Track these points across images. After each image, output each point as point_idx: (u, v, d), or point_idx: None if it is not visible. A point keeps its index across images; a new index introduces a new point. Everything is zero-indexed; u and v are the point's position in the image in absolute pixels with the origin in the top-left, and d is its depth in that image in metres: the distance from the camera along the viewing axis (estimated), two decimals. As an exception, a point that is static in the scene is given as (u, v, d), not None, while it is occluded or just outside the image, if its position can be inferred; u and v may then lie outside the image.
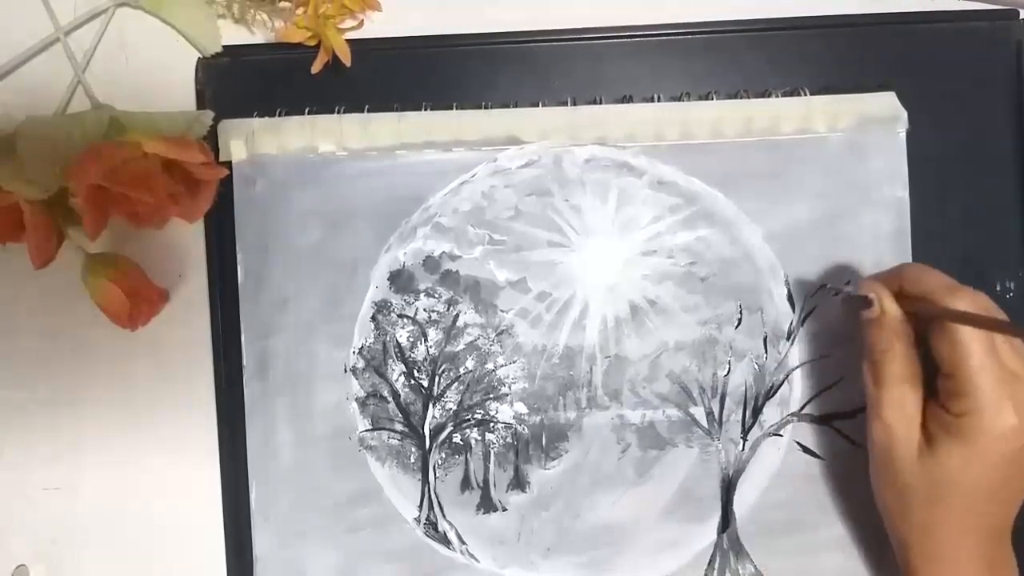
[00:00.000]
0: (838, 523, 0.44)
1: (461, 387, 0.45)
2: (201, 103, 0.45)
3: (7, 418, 0.46)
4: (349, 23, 0.44)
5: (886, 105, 0.44)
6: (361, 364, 0.45)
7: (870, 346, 0.39)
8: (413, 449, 0.45)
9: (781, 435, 0.45)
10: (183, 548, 0.46)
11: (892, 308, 0.38)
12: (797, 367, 0.45)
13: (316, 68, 0.44)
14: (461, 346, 0.45)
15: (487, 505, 0.45)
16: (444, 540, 0.45)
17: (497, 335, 0.45)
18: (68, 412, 0.46)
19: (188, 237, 0.46)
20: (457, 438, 0.45)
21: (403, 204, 0.45)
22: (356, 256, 0.45)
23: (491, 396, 0.45)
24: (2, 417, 0.46)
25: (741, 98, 0.45)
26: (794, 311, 0.45)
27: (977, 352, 0.35)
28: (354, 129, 0.44)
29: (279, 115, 0.45)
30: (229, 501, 0.45)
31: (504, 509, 0.45)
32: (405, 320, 0.45)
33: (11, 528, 0.46)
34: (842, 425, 0.44)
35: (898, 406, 0.37)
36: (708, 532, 0.45)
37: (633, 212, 0.45)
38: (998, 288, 0.45)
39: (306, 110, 0.45)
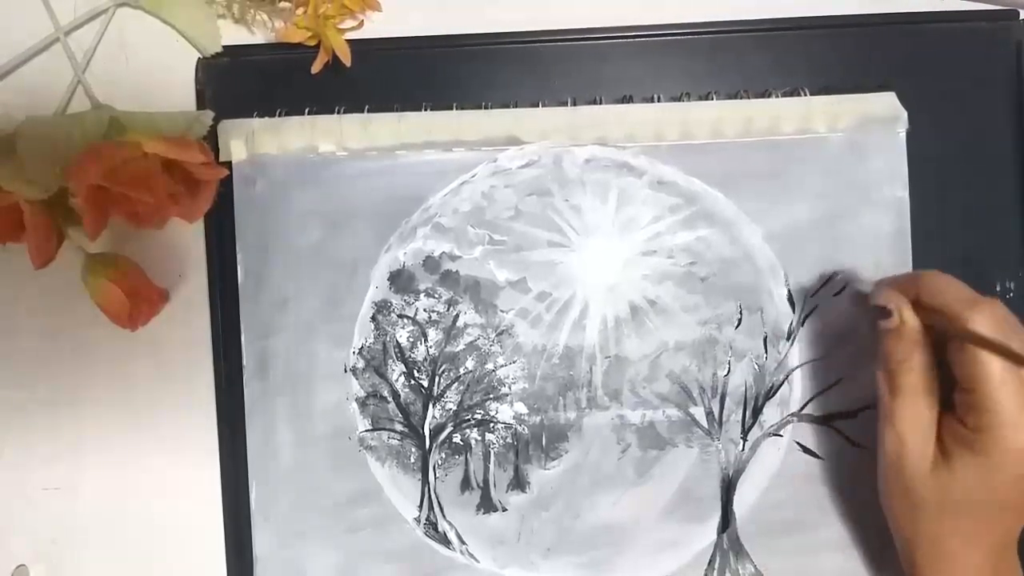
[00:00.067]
0: (838, 523, 0.44)
1: (461, 387, 0.45)
2: (201, 103, 0.45)
3: (7, 418, 0.46)
4: (349, 23, 0.44)
5: (886, 105, 0.44)
6: (361, 364, 0.45)
7: (887, 356, 0.38)
8: (413, 449, 0.45)
9: (781, 435, 0.45)
10: (183, 548, 0.46)
11: (912, 319, 0.37)
12: (797, 367, 0.45)
13: (316, 68, 0.44)
14: (461, 346, 0.45)
15: (487, 505, 0.45)
16: (444, 540, 0.45)
17: (497, 335, 0.45)
18: (68, 412, 0.46)
19: (188, 237, 0.46)
20: (457, 438, 0.45)
21: (403, 204, 0.45)
22: (356, 256, 0.45)
23: (491, 396, 0.45)
24: (2, 417, 0.46)
25: (741, 98, 0.45)
26: (794, 311, 0.45)
27: (997, 368, 0.34)
28: (354, 129, 0.44)
29: (279, 115, 0.45)
30: (229, 501, 0.45)
31: (504, 509, 0.45)
32: (405, 320, 0.45)
33: (11, 528, 0.46)
34: (842, 425, 0.44)
35: (913, 418, 0.37)
36: (708, 532, 0.45)
37: (633, 212, 0.45)
38: (998, 288, 0.45)
39: (306, 110, 0.45)
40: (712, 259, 0.45)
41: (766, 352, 0.45)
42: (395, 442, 0.45)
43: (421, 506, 0.45)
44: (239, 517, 0.45)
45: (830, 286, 0.44)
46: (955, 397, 0.37)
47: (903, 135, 0.44)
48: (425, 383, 0.45)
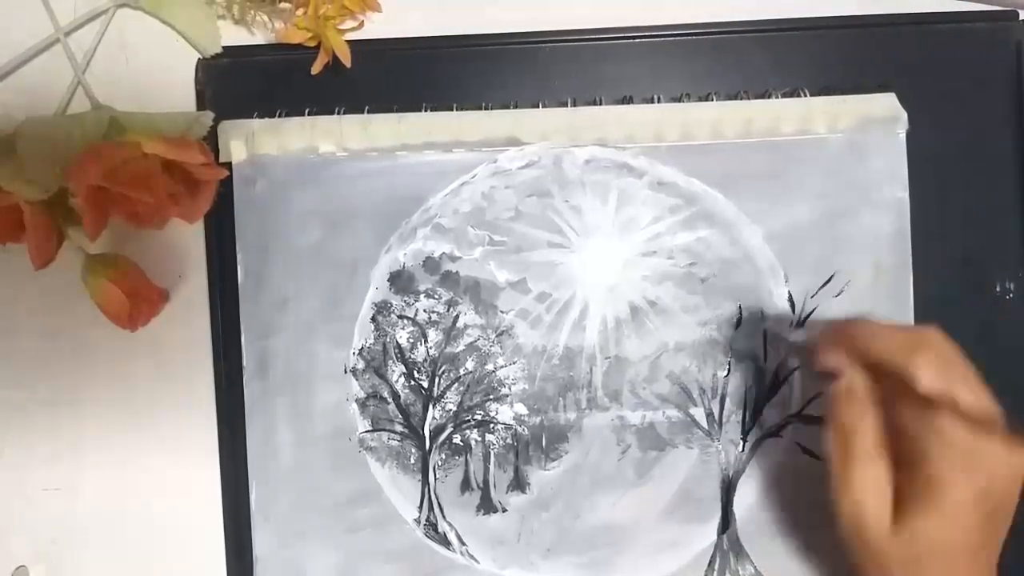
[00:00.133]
0: (838, 524, 0.44)
1: (461, 388, 0.45)
2: (201, 104, 0.45)
3: (7, 418, 0.46)
4: (349, 24, 0.44)
5: (886, 106, 0.44)
6: (361, 365, 0.45)
7: (837, 420, 0.36)
8: (413, 450, 0.45)
9: (781, 436, 0.45)
10: (183, 548, 0.46)
11: (860, 381, 0.36)
12: (797, 368, 0.45)
13: (316, 69, 0.44)
14: (461, 347, 0.45)
15: (487, 506, 0.45)
16: (444, 541, 0.45)
17: (497, 336, 0.45)
18: (68, 412, 0.46)
19: (188, 237, 0.46)
20: (457, 439, 0.45)
21: (403, 205, 0.45)
22: (356, 256, 0.45)
23: (491, 397, 0.45)
24: (2, 417, 0.46)
25: (741, 99, 0.45)
26: (794, 311, 0.45)
27: (942, 414, 0.33)
28: (354, 130, 0.44)
29: (279, 116, 0.45)
30: (229, 501, 0.45)
31: (504, 510, 0.45)
32: (405, 321, 0.45)
33: (11, 528, 0.46)
34: (842, 426, 0.44)
35: (870, 482, 0.35)
36: (708, 533, 0.45)
37: (633, 213, 0.45)
38: (998, 288, 0.45)
39: (306, 111, 0.45)
40: (712, 260, 0.45)
41: (766, 353, 0.45)
42: (395, 443, 0.45)
43: (421, 507, 0.45)
44: (239, 517, 0.45)
45: (830, 286, 0.44)
46: (902, 446, 0.35)
47: (903, 135, 0.44)
48: (425, 384, 0.45)
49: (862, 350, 0.36)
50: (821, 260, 0.44)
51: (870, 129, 0.44)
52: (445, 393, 0.45)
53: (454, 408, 0.45)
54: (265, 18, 0.45)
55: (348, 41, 0.43)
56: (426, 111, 0.45)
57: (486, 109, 0.45)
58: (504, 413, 0.45)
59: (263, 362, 0.45)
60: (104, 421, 0.46)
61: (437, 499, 0.45)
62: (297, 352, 0.45)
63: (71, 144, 0.41)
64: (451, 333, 0.45)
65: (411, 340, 0.45)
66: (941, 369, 0.34)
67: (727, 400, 0.45)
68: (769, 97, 0.45)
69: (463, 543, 0.45)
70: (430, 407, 0.45)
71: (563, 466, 0.45)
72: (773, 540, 0.45)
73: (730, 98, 0.45)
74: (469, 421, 0.45)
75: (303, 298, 0.45)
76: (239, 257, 0.45)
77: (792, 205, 0.44)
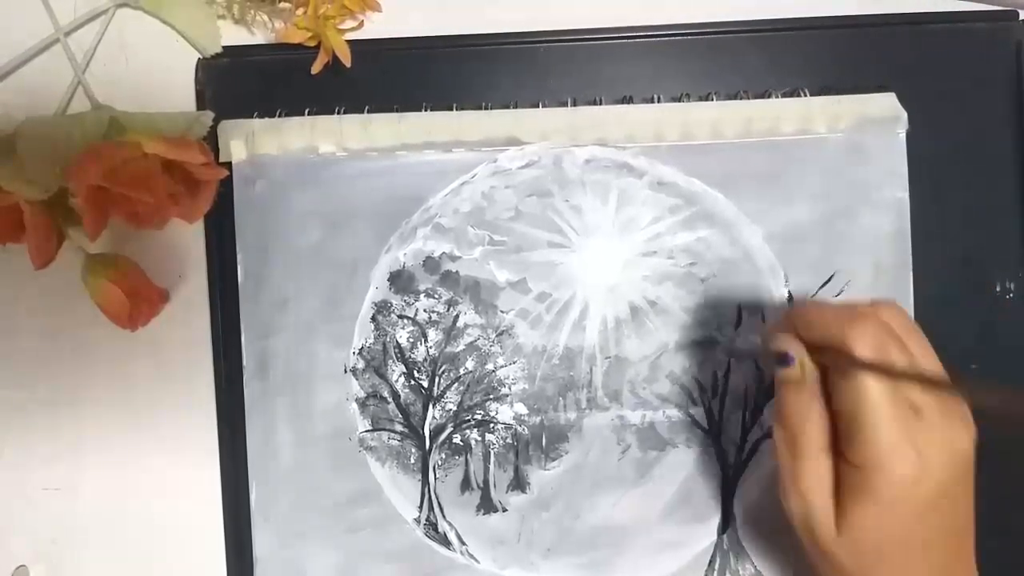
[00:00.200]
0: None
1: (461, 388, 0.45)
2: (201, 103, 0.45)
3: (7, 418, 0.46)
4: (349, 24, 0.44)
5: (886, 106, 0.44)
6: (361, 365, 0.45)
7: (786, 414, 0.34)
8: (413, 450, 0.45)
9: (781, 435, 0.45)
10: (183, 548, 0.46)
11: (810, 366, 0.34)
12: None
13: (316, 69, 0.44)
14: (461, 347, 0.45)
15: (487, 506, 0.45)
16: (444, 541, 0.45)
17: (497, 336, 0.45)
18: (68, 412, 0.46)
19: (188, 237, 0.46)
20: (457, 439, 0.45)
21: (403, 204, 0.45)
22: (356, 256, 0.45)
23: (491, 397, 0.45)
24: (2, 417, 0.46)
25: (741, 99, 0.45)
26: (794, 311, 0.45)
27: (874, 390, 0.31)
28: (354, 129, 0.44)
29: (279, 116, 0.45)
30: (229, 501, 0.45)
31: (504, 510, 0.45)
32: (405, 321, 0.45)
33: (11, 528, 0.46)
34: (842, 426, 0.44)
35: (818, 477, 0.33)
36: (708, 533, 0.45)
37: (633, 213, 0.45)
38: (998, 288, 0.45)
39: (306, 111, 0.45)
40: (712, 260, 0.45)
41: (766, 352, 0.45)
42: (395, 442, 0.45)
43: (421, 506, 0.45)
44: (239, 517, 0.45)
45: (830, 286, 0.44)
46: (838, 430, 0.33)
47: (903, 135, 0.44)
48: (425, 383, 0.45)
49: (804, 331, 0.34)
50: (821, 260, 0.44)
51: (870, 129, 0.44)
52: (445, 393, 0.45)
53: (454, 408, 0.45)
54: (265, 18, 0.45)
55: (348, 41, 0.43)
56: (426, 111, 0.45)
57: (486, 109, 0.45)
58: (504, 413, 0.45)
59: (263, 362, 0.45)
60: (104, 421, 0.46)
61: (437, 499, 0.45)
62: (297, 352, 0.45)
63: (71, 144, 0.41)
64: (451, 333, 0.45)
65: (411, 340, 0.45)
66: (880, 339, 0.32)
67: (727, 400, 0.45)
68: (769, 97, 0.45)
69: (463, 543, 0.45)
70: (430, 407, 0.45)
71: (563, 466, 0.45)
72: (773, 540, 0.45)
73: (730, 98, 0.45)
74: (469, 421, 0.45)
75: (303, 298, 0.45)
76: (239, 257, 0.45)
77: (792, 205, 0.44)
